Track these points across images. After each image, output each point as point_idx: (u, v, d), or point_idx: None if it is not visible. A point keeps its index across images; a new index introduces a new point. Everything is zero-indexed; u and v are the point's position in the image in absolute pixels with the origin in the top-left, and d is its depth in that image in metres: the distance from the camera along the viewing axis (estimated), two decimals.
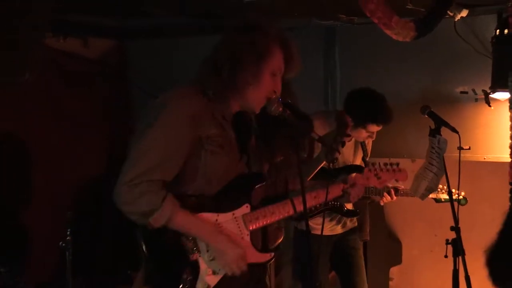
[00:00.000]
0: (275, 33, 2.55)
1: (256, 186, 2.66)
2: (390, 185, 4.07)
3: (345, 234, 4.23)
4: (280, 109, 2.53)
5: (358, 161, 4.19)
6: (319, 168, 3.54)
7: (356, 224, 4.28)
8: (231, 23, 2.60)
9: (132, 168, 2.41)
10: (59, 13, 4.25)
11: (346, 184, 2.95)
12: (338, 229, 4.18)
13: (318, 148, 3.73)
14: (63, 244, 3.95)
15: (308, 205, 2.64)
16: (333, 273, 4.46)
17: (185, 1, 4.30)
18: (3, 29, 3.70)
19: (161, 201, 2.41)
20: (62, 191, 5.22)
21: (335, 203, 4.04)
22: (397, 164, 3.10)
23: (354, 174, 3.01)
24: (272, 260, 2.68)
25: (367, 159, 4.22)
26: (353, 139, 4.08)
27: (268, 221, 2.66)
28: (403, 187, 4.10)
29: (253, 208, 2.64)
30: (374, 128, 3.93)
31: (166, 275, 2.52)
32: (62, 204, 4.87)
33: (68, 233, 3.95)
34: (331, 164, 3.01)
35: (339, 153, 3.09)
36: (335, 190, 2.92)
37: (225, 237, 2.54)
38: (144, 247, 2.49)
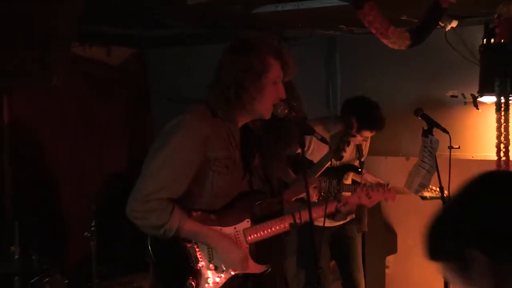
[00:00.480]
0: (269, 47, 2.56)
1: (257, 203, 2.69)
2: (382, 181, 4.07)
3: (343, 225, 4.25)
4: (286, 111, 2.56)
5: (355, 162, 4.20)
6: (326, 166, 3.57)
7: (353, 215, 4.28)
8: (231, 39, 2.62)
9: (144, 187, 2.45)
10: (85, 24, 4.26)
11: (340, 202, 2.98)
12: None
13: (321, 148, 3.75)
14: (88, 234, 3.97)
15: (304, 219, 2.69)
16: (333, 262, 4.46)
17: (198, 13, 4.31)
18: (35, 36, 3.71)
19: (169, 215, 2.44)
20: (87, 187, 5.25)
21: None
22: (387, 185, 3.13)
23: (346, 194, 3.03)
24: (268, 271, 2.68)
25: (363, 159, 4.24)
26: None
27: (266, 235, 2.69)
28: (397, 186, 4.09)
29: (253, 223, 2.66)
30: (368, 134, 3.95)
31: (172, 282, 2.56)
32: (87, 198, 4.89)
33: (92, 224, 3.98)
34: (338, 162, 3.01)
35: (345, 152, 3.11)
36: (330, 207, 2.95)
37: (229, 241, 2.59)
38: (152, 255, 2.53)
